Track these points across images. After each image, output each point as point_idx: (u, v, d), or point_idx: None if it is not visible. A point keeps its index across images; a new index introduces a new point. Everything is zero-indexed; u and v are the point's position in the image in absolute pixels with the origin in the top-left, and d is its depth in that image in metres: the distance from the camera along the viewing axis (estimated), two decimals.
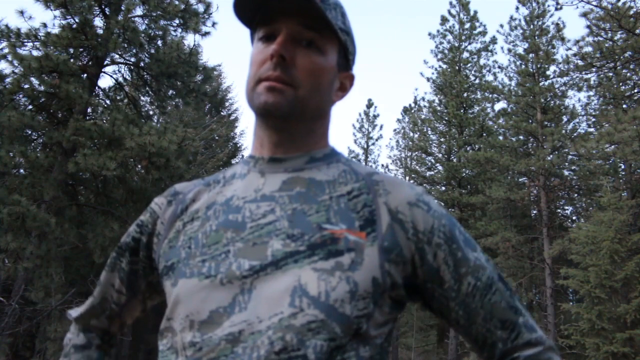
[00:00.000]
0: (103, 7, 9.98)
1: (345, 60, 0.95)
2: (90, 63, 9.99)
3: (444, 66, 21.78)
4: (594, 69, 15.72)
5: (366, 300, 0.78)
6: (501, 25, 23.65)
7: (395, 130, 26.73)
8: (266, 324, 0.75)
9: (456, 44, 21.67)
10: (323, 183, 0.88)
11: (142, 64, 10.47)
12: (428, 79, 22.16)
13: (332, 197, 0.86)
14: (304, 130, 0.91)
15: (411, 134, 23.40)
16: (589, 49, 15.35)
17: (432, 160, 22.28)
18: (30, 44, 9.43)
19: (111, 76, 10.59)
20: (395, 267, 0.81)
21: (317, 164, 0.91)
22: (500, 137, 19.64)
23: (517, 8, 19.40)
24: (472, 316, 0.85)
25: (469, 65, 21.62)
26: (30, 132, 9.60)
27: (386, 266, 0.80)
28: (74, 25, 9.61)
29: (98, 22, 10.00)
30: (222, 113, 21.24)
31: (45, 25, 9.53)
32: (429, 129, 22.23)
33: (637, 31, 12.55)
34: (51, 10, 9.46)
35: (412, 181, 22.92)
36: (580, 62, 15.85)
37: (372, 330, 0.80)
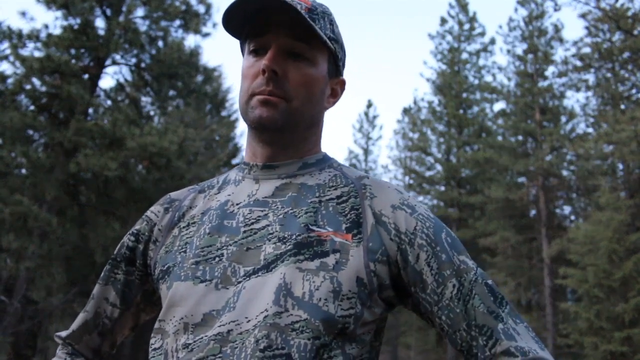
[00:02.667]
0: (104, 8, 10.02)
1: (335, 66, 0.96)
2: (91, 64, 10.03)
3: (444, 67, 21.84)
4: (592, 70, 15.78)
5: (352, 300, 0.79)
6: (500, 26, 23.78)
7: (394, 130, 26.75)
8: (253, 323, 0.77)
9: (455, 45, 21.72)
10: (314, 187, 0.90)
11: (143, 65, 10.51)
12: (427, 80, 22.23)
13: (322, 201, 0.87)
14: (297, 139, 0.92)
15: (411, 134, 23.44)
16: (587, 49, 15.41)
17: (432, 161, 22.32)
18: (32, 45, 9.47)
19: (112, 77, 10.65)
20: (381, 267, 0.82)
21: (309, 170, 0.92)
22: (499, 138, 19.68)
23: (516, 9, 19.48)
24: (455, 322, 0.81)
25: (468, 65, 21.68)
26: (31, 133, 9.63)
27: (372, 266, 0.81)
28: (76, 26, 9.66)
29: (99, 23, 10.05)
30: (222, 113, 21.27)
31: (46, 26, 9.58)
32: (429, 129, 22.28)
33: (635, 32, 12.60)
34: (53, 11, 9.51)
35: (411, 181, 22.96)
36: (578, 63, 15.92)
37: (359, 329, 0.81)
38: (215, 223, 0.89)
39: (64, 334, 1.03)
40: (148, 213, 1.00)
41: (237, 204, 0.90)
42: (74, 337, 1.02)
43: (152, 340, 0.86)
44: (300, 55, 0.88)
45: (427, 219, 0.86)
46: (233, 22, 0.89)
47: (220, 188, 0.96)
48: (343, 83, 0.99)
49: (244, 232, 0.86)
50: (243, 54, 0.97)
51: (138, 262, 0.98)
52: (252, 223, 0.86)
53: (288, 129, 0.89)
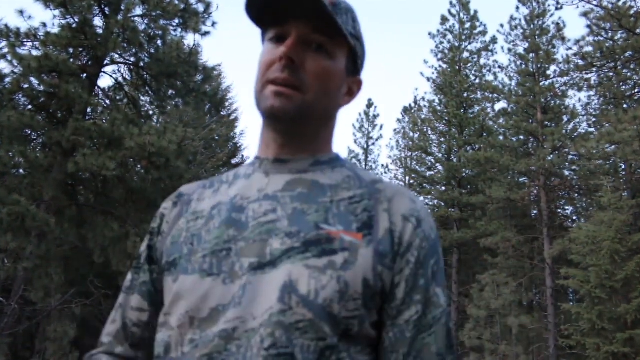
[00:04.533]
0: (103, 6, 9.96)
1: (354, 65, 0.95)
2: (89, 63, 9.97)
3: (444, 66, 21.78)
4: (594, 69, 15.71)
5: (357, 301, 0.78)
6: (501, 25, 23.64)
7: (395, 130, 26.72)
8: (259, 322, 0.76)
9: (456, 44, 21.67)
10: (326, 186, 0.89)
11: (141, 64, 10.45)
12: (428, 79, 22.17)
13: (333, 201, 0.86)
14: (311, 133, 0.92)
15: (411, 134, 23.41)
16: (589, 48, 15.34)
17: (432, 160, 22.27)
18: (29, 44, 9.40)
19: (111, 76, 10.59)
20: (387, 272, 0.82)
21: (321, 167, 0.91)
22: (501, 137, 19.64)
23: (518, 8, 19.39)
24: (399, 344, 0.82)
25: (469, 65, 21.61)
26: (29, 132, 9.58)
27: (379, 269, 0.81)
28: (74, 25, 9.59)
29: (98, 21, 9.97)
30: (222, 113, 21.22)
31: (44, 24, 9.49)
32: (429, 129, 22.23)
33: (638, 31, 12.53)
34: (51, 9, 9.43)
35: (412, 181, 22.90)
36: (580, 62, 15.84)
37: (365, 332, 0.80)
38: (224, 217, 0.88)
39: (95, 352, 0.96)
40: (160, 209, 1.00)
41: (247, 199, 0.89)
42: (106, 351, 0.95)
43: (157, 335, 0.85)
44: (319, 47, 0.88)
45: (426, 238, 0.86)
46: (254, 8, 0.89)
47: (231, 183, 0.95)
48: (360, 83, 0.99)
49: (252, 226, 0.85)
50: (263, 43, 0.96)
51: (157, 257, 0.96)
52: (260, 217, 0.85)
53: (301, 121, 0.88)
